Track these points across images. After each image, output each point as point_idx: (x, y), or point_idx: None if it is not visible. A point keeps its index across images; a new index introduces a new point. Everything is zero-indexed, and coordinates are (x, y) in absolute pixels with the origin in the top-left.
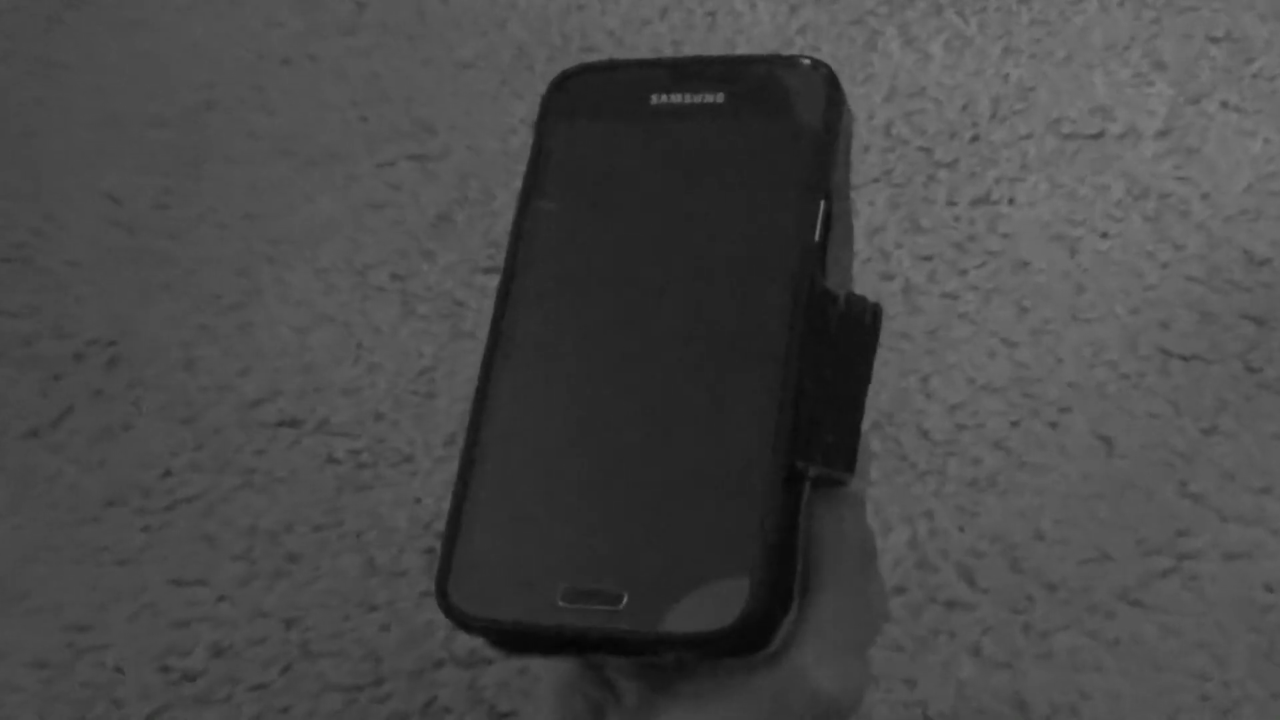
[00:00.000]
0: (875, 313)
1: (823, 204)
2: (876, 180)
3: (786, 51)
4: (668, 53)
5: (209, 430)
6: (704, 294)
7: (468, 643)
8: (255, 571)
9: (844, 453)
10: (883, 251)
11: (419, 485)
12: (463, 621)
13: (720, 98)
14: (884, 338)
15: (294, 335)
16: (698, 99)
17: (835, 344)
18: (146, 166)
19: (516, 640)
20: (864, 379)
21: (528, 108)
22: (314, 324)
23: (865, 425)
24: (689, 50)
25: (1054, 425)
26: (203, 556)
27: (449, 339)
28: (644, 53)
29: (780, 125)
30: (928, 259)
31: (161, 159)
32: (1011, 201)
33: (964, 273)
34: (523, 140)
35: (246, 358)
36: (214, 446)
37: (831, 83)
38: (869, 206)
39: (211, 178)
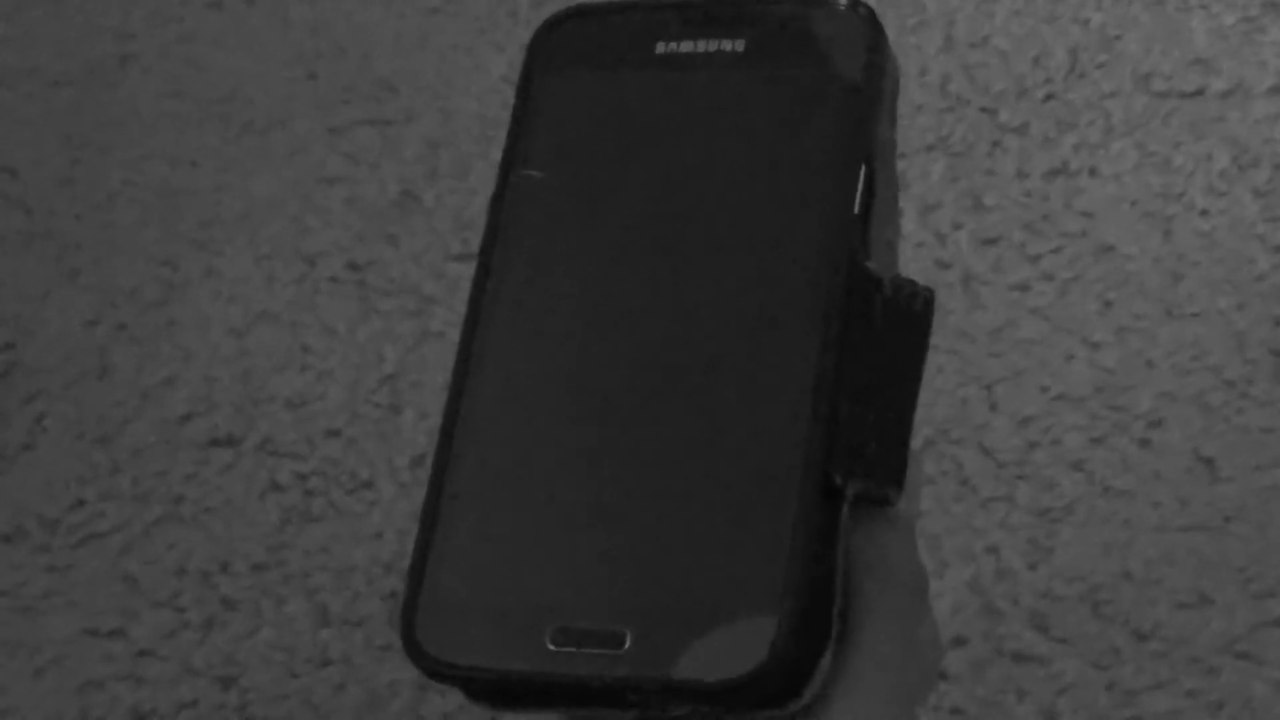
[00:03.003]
0: (927, 299)
1: (863, 170)
2: (931, 148)
3: None
4: None
5: (127, 451)
6: (722, 277)
7: (439, 704)
8: (184, 620)
9: (890, 465)
10: (938, 234)
11: (379, 517)
12: (434, 670)
13: (740, 45)
14: (940, 338)
15: (229, 337)
16: (713, 46)
17: (879, 336)
18: (48, 133)
19: (498, 692)
20: (914, 378)
21: (510, 62)
22: (253, 323)
23: (916, 441)
24: None
25: (1144, 443)
26: (121, 602)
27: (416, 340)
28: None
29: (811, 77)
30: (992, 243)
31: (66, 124)
32: (1093, 173)
33: (1036, 259)
34: (504, 101)
35: (171, 364)
36: (133, 470)
37: (873, 25)
38: (922, 179)
39: (127, 147)
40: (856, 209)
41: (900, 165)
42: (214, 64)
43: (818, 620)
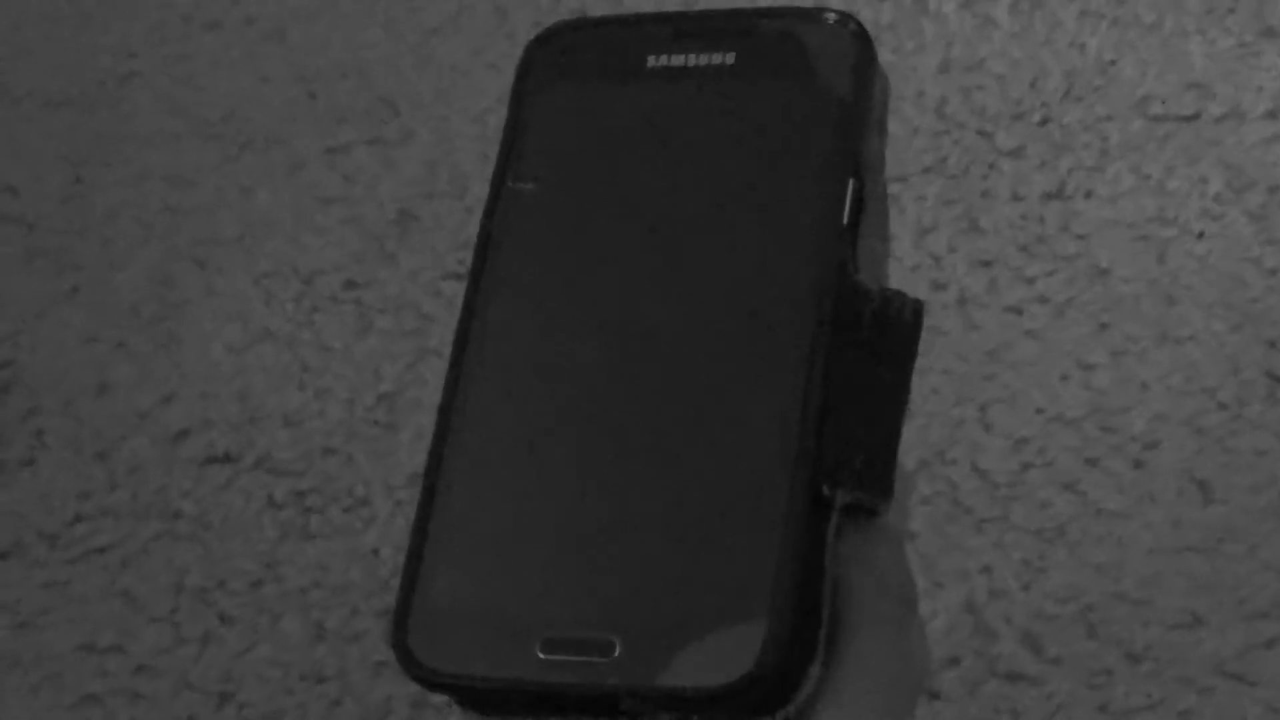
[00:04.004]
0: (916, 311)
1: (852, 182)
2: (927, 170)
3: (829, 7)
4: (673, 9)
5: (125, 467)
6: (711, 289)
7: (434, 719)
8: (181, 636)
9: (878, 475)
10: (933, 256)
11: (376, 534)
12: (424, 677)
13: (730, 58)
14: (935, 359)
15: (227, 354)
16: (704, 60)
17: (868, 347)
18: (49, 151)
19: (489, 699)
20: (902, 389)
21: (506, 82)
22: (251, 341)
23: (910, 461)
24: (699, 5)
25: (1138, 464)
26: (118, 618)
27: (413, 358)
28: (650, 10)
29: (801, 90)
30: (987, 265)
31: (66, 142)
32: (1089, 196)
33: (1031, 281)
34: (501, 121)
35: (170, 381)
36: (131, 487)
37: (862, 39)
38: (918, 202)
39: (127, 164)
40: (845, 221)
41: (896, 187)
42: (213, 83)
43: (806, 629)
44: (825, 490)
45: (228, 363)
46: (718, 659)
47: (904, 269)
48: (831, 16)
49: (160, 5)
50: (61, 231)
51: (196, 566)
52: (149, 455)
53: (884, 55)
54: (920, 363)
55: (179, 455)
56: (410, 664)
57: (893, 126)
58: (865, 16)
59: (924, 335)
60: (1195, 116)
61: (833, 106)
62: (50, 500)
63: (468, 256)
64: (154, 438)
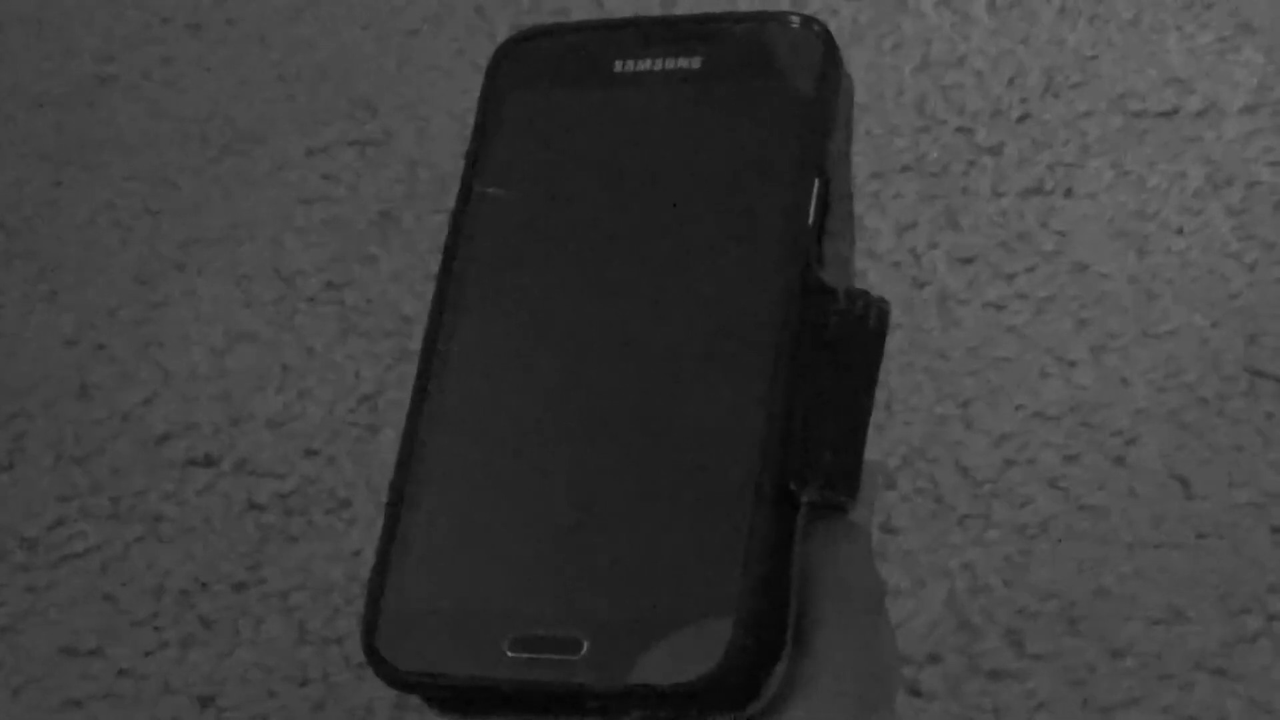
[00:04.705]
0: (881, 311)
1: (817, 183)
2: (907, 168)
3: (795, 9)
4: (646, 14)
5: (106, 470)
6: (678, 290)
7: None
8: (163, 639)
9: (844, 473)
10: (914, 253)
11: (358, 536)
12: (394, 678)
13: (696, 62)
14: (916, 356)
15: (208, 356)
16: (670, 64)
17: (833, 347)
18: (28, 154)
19: (458, 699)
20: (868, 388)
21: None
22: (232, 343)
23: (893, 461)
24: (682, 12)
25: (1119, 460)
26: (100, 621)
27: (394, 360)
28: (627, 14)
29: (766, 93)
30: (968, 262)
31: (46, 144)
32: (1068, 193)
33: (1011, 278)
34: None
35: (151, 383)
36: (112, 490)
37: (827, 42)
38: (897, 199)
39: (107, 166)
40: (811, 221)
41: (876, 185)
42: (194, 85)
43: (773, 625)
44: (792, 488)
45: (209, 365)
46: (685, 655)
47: (884, 266)
48: (796, 20)
49: (141, 6)
50: (42, 234)
51: (178, 569)
52: (130, 458)
53: (863, 53)
54: (901, 360)
55: (160, 458)
56: (379, 665)
57: (872, 124)
58: (844, 15)
59: (905, 332)
60: (1174, 112)
61: (797, 108)
62: (31, 504)
63: None
64: (135, 440)
